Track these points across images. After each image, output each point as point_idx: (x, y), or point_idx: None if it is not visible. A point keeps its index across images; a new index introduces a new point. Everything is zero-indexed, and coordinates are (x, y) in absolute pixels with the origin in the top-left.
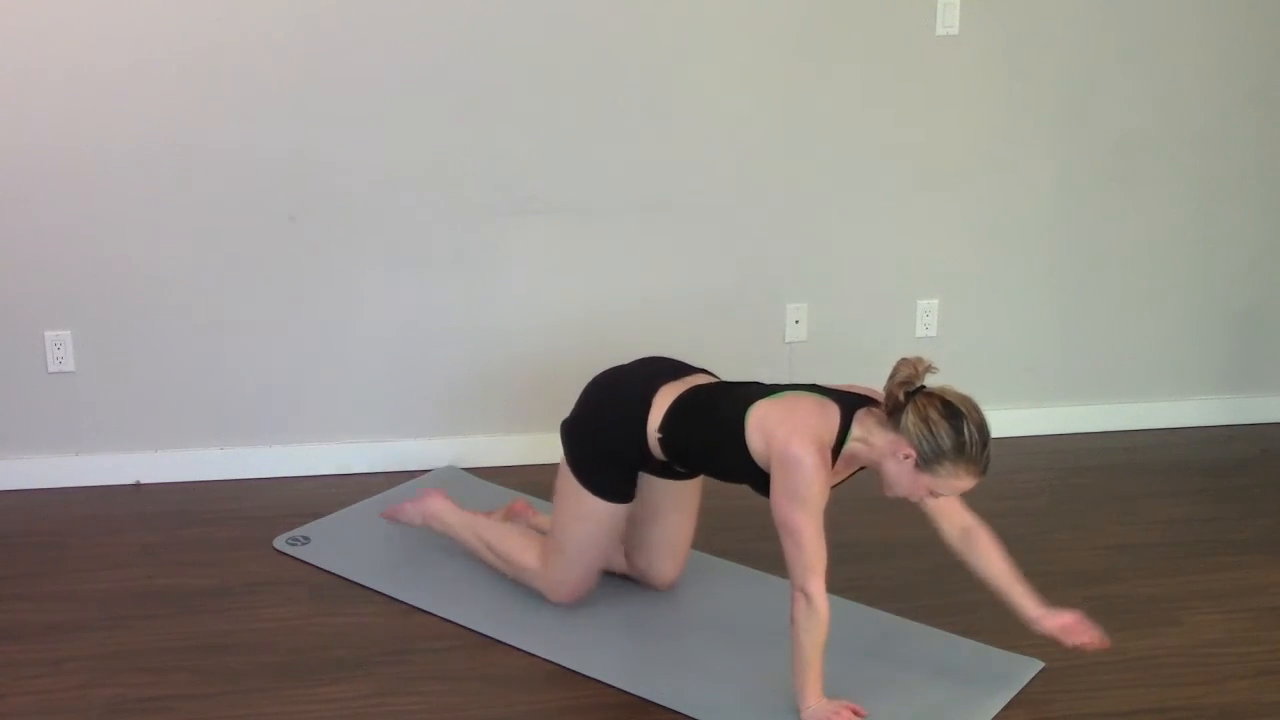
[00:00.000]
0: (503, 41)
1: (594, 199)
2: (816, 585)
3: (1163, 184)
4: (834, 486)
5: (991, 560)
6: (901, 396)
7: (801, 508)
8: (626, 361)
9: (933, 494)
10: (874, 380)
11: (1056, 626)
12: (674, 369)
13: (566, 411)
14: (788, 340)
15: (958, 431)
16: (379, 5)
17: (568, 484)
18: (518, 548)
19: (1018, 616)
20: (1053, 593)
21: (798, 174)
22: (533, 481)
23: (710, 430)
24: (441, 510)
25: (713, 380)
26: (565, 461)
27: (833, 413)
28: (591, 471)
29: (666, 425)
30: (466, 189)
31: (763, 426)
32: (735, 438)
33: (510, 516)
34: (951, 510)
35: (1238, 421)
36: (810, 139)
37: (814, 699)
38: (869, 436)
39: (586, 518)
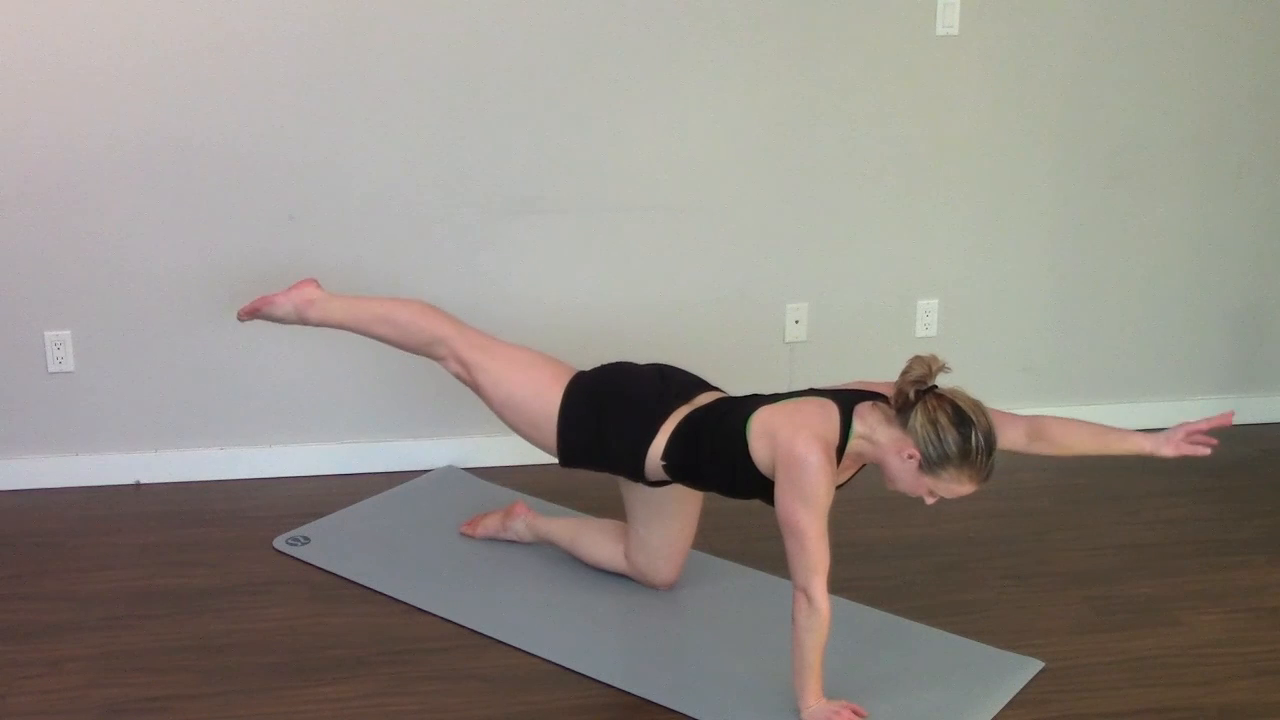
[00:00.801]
0: (503, 41)
1: (594, 199)
2: (819, 586)
3: (1162, 184)
4: (839, 487)
5: (1071, 435)
6: (912, 395)
7: (806, 507)
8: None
9: (931, 494)
10: (875, 379)
11: (1177, 445)
12: (686, 389)
13: None
14: (788, 340)
15: (965, 439)
16: (380, 4)
17: (548, 395)
18: (422, 317)
19: (1137, 457)
20: (1053, 593)
21: (797, 174)
22: (533, 481)
23: (713, 447)
24: (315, 295)
25: (716, 396)
26: (555, 418)
27: (832, 412)
28: (571, 435)
29: (670, 451)
30: (466, 188)
31: (766, 432)
32: (739, 450)
33: (509, 518)
34: (1006, 429)
35: (1238, 421)
36: (810, 139)
37: (814, 699)
38: (872, 433)
39: (526, 404)
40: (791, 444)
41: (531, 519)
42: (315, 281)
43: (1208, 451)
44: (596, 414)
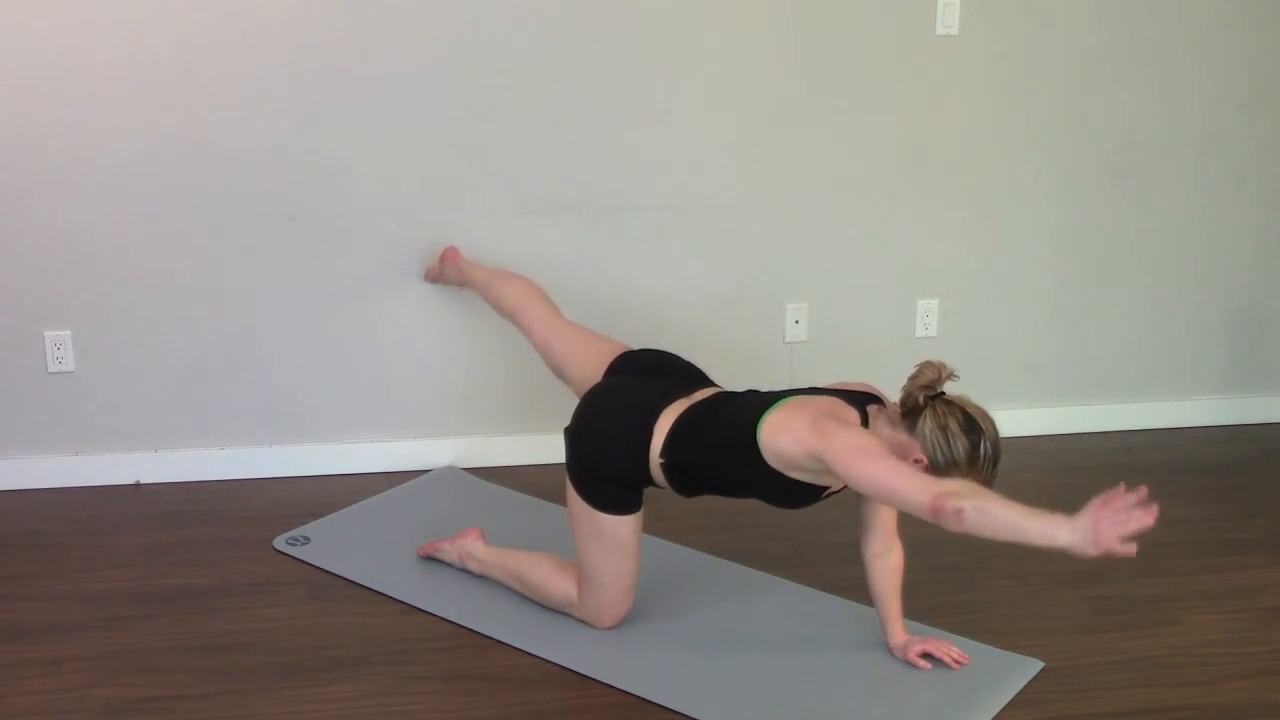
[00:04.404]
0: (504, 42)
1: (594, 199)
2: (947, 489)
3: (1162, 184)
4: (833, 493)
5: (891, 580)
6: (921, 400)
7: (874, 456)
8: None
9: None
10: (875, 379)
11: (914, 655)
12: (679, 386)
13: (567, 412)
14: (788, 340)
15: (974, 446)
16: (381, 5)
17: (576, 504)
18: (549, 579)
19: (884, 635)
20: (1053, 593)
21: (798, 174)
22: (533, 481)
23: (715, 443)
24: (475, 549)
25: (712, 391)
26: (568, 479)
27: (851, 411)
28: (592, 486)
29: (668, 449)
30: (467, 189)
31: (787, 427)
32: (746, 446)
33: (444, 263)
34: (887, 522)
35: (1238, 421)
36: (810, 139)
37: (1061, 525)
38: (879, 437)
39: (600, 535)
40: (822, 427)
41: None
42: (478, 532)
43: (928, 667)
44: (592, 445)
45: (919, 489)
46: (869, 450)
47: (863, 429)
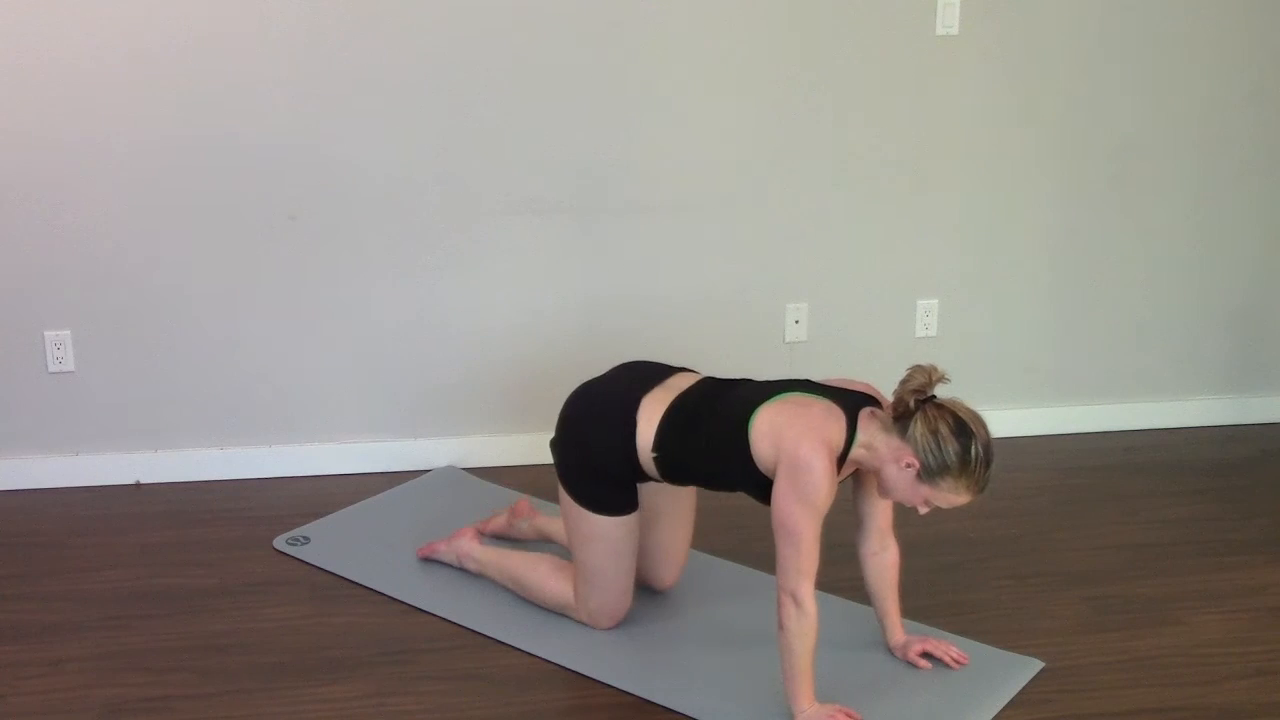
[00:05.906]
0: (504, 42)
1: (594, 199)
2: (807, 589)
3: (1162, 184)
4: None
5: (887, 577)
6: (912, 404)
7: (805, 509)
8: (606, 370)
9: (928, 504)
10: (875, 379)
11: (914, 655)
12: (654, 374)
13: None
14: (788, 340)
15: (965, 450)
16: (380, 4)
17: (569, 507)
18: (545, 581)
19: (882, 634)
20: (1053, 593)
21: (798, 174)
22: (532, 481)
23: (710, 440)
24: (472, 549)
25: (696, 379)
26: (560, 486)
27: (839, 417)
28: (585, 490)
29: (660, 443)
30: (467, 189)
31: (771, 431)
32: (739, 444)
33: (514, 517)
34: (883, 520)
35: (1238, 421)
36: (810, 139)
37: (807, 703)
38: (872, 441)
39: (597, 537)
40: (797, 447)
41: (534, 517)
42: (474, 532)
43: (928, 666)
44: (577, 444)
45: (804, 568)
46: (810, 504)
47: (828, 476)
